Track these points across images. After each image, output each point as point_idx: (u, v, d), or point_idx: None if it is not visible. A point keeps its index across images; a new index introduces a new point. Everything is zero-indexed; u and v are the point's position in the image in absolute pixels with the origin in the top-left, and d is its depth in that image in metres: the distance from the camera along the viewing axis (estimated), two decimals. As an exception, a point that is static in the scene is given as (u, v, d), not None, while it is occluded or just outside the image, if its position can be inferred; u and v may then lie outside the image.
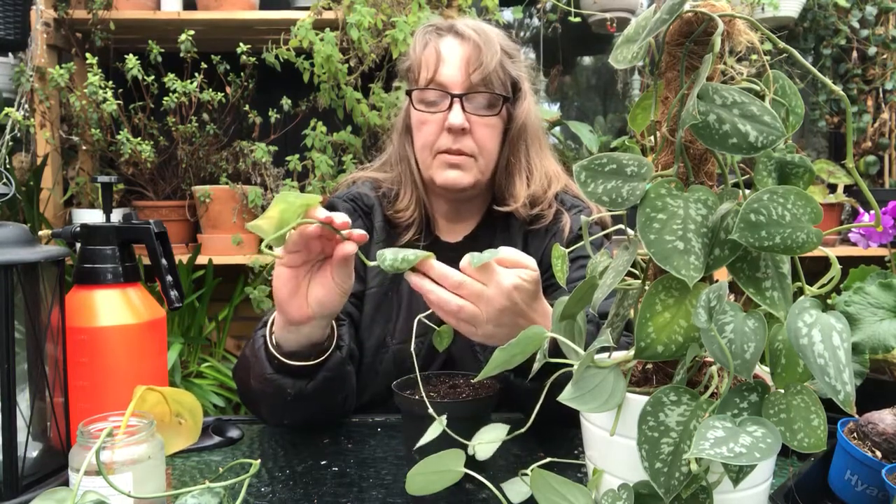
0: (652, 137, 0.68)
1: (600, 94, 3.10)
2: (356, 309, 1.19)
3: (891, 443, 0.71)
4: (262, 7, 2.45)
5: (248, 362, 0.99)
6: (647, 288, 0.64)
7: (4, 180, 0.90)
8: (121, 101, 2.23)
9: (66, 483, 0.78)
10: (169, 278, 0.97)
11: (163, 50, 2.27)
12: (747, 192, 0.59)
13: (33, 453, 0.82)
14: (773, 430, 0.53)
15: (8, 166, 2.30)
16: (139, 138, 2.25)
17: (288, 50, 2.19)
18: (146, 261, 0.97)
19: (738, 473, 0.55)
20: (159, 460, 0.71)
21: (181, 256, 2.26)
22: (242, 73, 2.30)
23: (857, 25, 2.67)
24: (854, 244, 1.01)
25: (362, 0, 2.15)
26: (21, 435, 0.79)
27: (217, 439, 0.98)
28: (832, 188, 2.55)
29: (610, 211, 0.62)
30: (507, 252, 0.84)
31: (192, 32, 2.22)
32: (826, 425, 0.54)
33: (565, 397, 0.61)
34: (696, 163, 0.64)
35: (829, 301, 0.93)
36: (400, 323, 1.19)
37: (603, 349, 0.67)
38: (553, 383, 0.68)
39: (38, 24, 2.26)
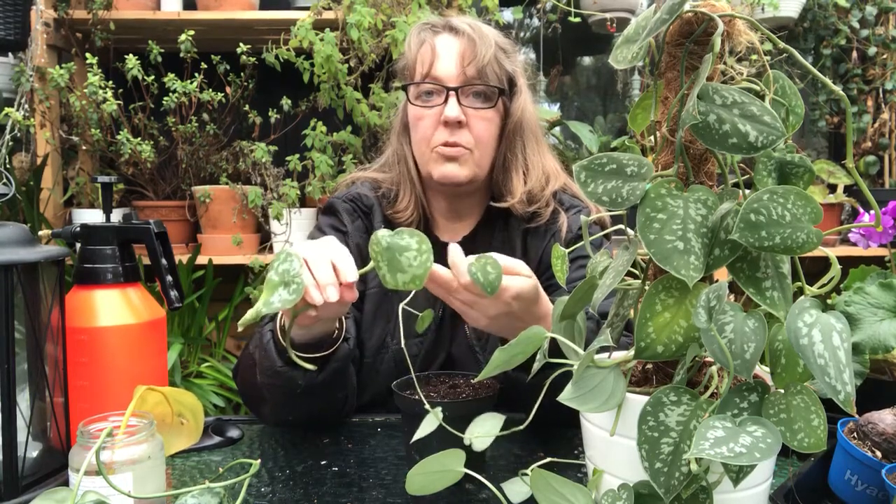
0: (652, 137, 0.68)
1: (600, 94, 3.10)
2: (357, 310, 1.19)
3: (891, 443, 0.71)
4: (262, 7, 2.45)
5: (253, 359, 0.99)
6: (647, 288, 0.64)
7: (4, 180, 0.90)
8: (121, 102, 2.23)
9: (66, 483, 0.78)
10: (169, 278, 0.97)
11: (163, 50, 2.28)
12: (747, 192, 0.59)
13: (33, 453, 0.82)
14: (773, 430, 0.53)
15: (8, 166, 2.30)
16: (139, 138, 2.25)
17: (288, 50, 2.19)
18: (146, 261, 0.98)
19: (738, 473, 0.55)
20: (159, 460, 0.71)
21: (181, 256, 2.26)
22: (242, 73, 2.31)
23: (857, 25, 2.67)
24: (854, 244, 1.01)
25: (362, 0, 2.15)
26: (21, 435, 0.79)
27: (217, 439, 0.98)
28: (832, 188, 2.55)
29: (609, 211, 0.62)
30: (503, 260, 0.84)
31: (192, 32, 2.22)
32: (826, 425, 0.54)
33: (565, 397, 0.61)
34: (696, 163, 0.64)
35: (829, 301, 0.93)
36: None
37: (602, 349, 0.67)
38: (552, 383, 0.68)
39: (38, 24, 2.26)
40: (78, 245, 0.94)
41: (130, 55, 2.23)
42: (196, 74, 2.25)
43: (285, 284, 0.73)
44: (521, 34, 2.98)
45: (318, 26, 2.18)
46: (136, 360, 0.91)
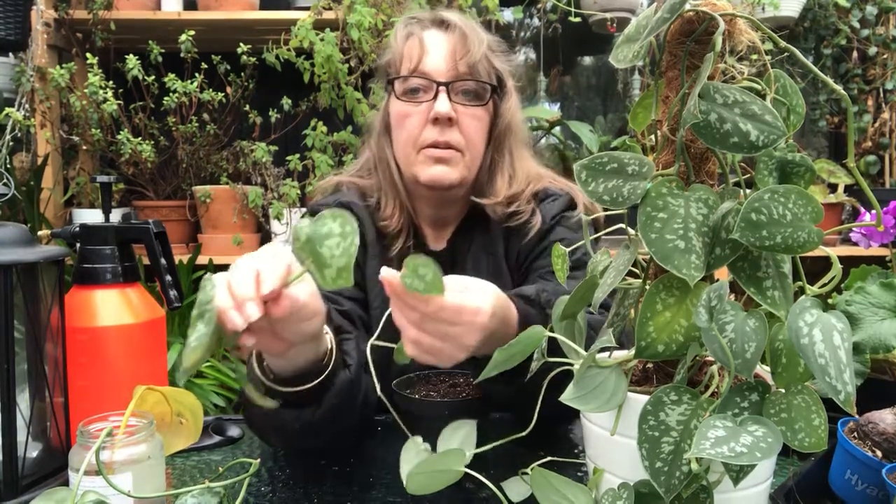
0: (653, 136, 0.68)
1: (600, 94, 3.10)
2: (364, 311, 1.11)
3: (891, 442, 0.71)
4: (263, 7, 2.45)
5: (247, 397, 0.85)
6: (647, 287, 0.64)
7: (4, 180, 0.90)
8: (121, 102, 2.23)
9: (66, 483, 0.78)
10: (168, 278, 0.96)
11: (163, 50, 2.28)
12: (748, 191, 0.59)
13: (33, 453, 0.81)
14: (773, 429, 0.53)
15: (8, 166, 2.30)
16: (139, 138, 2.25)
17: (288, 50, 2.19)
18: (146, 261, 0.97)
19: (738, 473, 0.55)
20: (159, 460, 0.71)
21: (181, 256, 2.26)
22: (243, 73, 2.31)
23: (857, 25, 2.67)
24: (855, 244, 1.01)
25: (362, 0, 2.15)
26: (21, 435, 0.79)
27: (217, 439, 0.98)
28: (833, 188, 2.54)
29: (607, 210, 0.62)
30: (454, 281, 0.74)
31: (192, 32, 2.22)
32: (826, 425, 0.54)
33: (567, 397, 0.60)
34: (697, 162, 0.64)
35: (829, 301, 0.93)
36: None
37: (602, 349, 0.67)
38: (535, 383, 0.68)
39: (39, 24, 2.26)
40: (77, 245, 0.94)
41: (131, 55, 2.23)
42: (196, 74, 2.25)
43: (200, 316, 0.62)
44: (521, 34, 2.98)
45: (319, 26, 2.18)
46: (136, 360, 0.91)
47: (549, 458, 0.73)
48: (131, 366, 0.90)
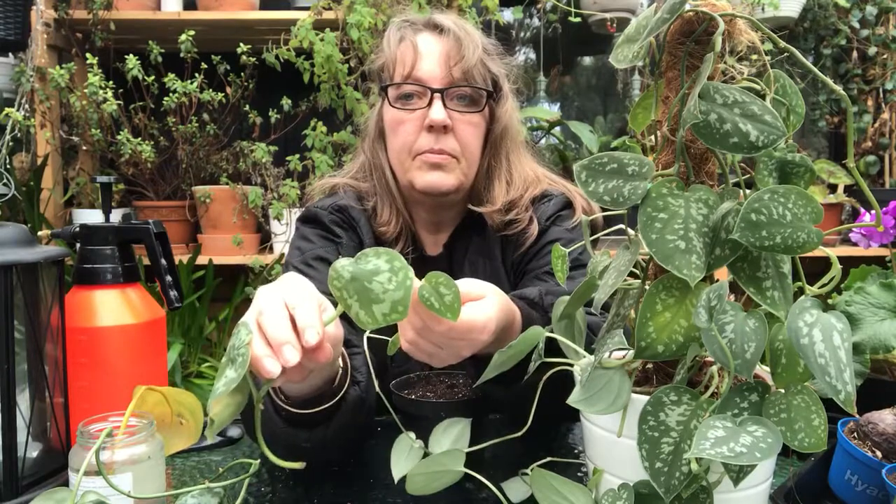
0: (652, 137, 0.68)
1: (600, 94, 3.10)
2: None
3: (891, 443, 0.71)
4: (262, 7, 2.45)
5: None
6: (647, 288, 0.64)
7: (4, 180, 0.90)
8: (121, 102, 2.23)
9: (66, 483, 0.78)
10: (168, 278, 0.96)
11: (163, 50, 2.28)
12: (748, 191, 0.59)
13: (33, 453, 0.81)
14: (773, 429, 0.53)
15: (8, 166, 2.30)
16: (139, 138, 2.25)
17: (288, 50, 2.19)
18: (146, 261, 0.97)
19: (738, 473, 0.55)
20: (159, 460, 0.71)
21: (181, 256, 2.26)
22: (242, 74, 2.30)
23: (857, 25, 2.67)
24: (855, 244, 1.01)
25: (362, 0, 2.15)
26: (21, 435, 0.79)
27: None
28: (832, 188, 2.55)
29: (605, 209, 0.62)
30: (465, 287, 0.73)
31: (192, 33, 2.22)
32: (826, 425, 0.54)
33: (573, 399, 0.60)
34: (697, 162, 0.64)
35: (829, 301, 0.93)
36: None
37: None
38: (534, 384, 0.67)
39: (39, 24, 2.26)
40: (77, 245, 0.94)
41: (131, 55, 2.23)
42: (196, 74, 2.25)
43: (231, 361, 0.60)
44: (521, 34, 2.98)
45: (319, 26, 2.18)
46: (136, 360, 0.91)
47: (549, 459, 0.73)
48: (131, 366, 0.90)
